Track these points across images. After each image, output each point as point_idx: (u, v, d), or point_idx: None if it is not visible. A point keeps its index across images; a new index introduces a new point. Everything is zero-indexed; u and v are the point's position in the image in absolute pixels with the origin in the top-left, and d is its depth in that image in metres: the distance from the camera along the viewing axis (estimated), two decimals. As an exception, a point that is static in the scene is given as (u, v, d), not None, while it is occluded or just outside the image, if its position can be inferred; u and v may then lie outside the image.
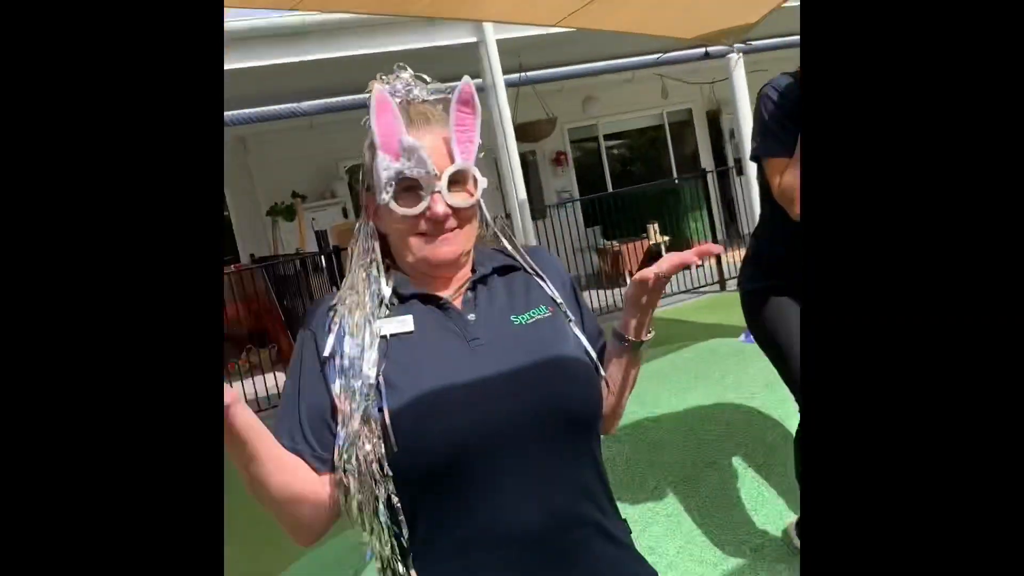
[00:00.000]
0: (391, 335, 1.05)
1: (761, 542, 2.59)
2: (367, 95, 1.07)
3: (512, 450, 1.00)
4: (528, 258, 1.18)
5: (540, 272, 1.16)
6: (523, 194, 6.76)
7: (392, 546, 1.02)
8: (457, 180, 1.07)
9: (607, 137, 11.56)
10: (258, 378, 6.64)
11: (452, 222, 1.07)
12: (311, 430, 1.04)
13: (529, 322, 1.09)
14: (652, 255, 8.84)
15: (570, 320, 1.13)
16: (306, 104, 9.53)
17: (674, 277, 1.14)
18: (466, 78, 1.10)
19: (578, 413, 1.06)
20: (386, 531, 1.01)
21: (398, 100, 1.08)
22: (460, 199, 1.07)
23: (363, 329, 1.05)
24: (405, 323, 1.06)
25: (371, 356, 1.03)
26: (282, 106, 9.58)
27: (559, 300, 1.13)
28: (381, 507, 1.01)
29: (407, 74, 1.11)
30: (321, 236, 7.66)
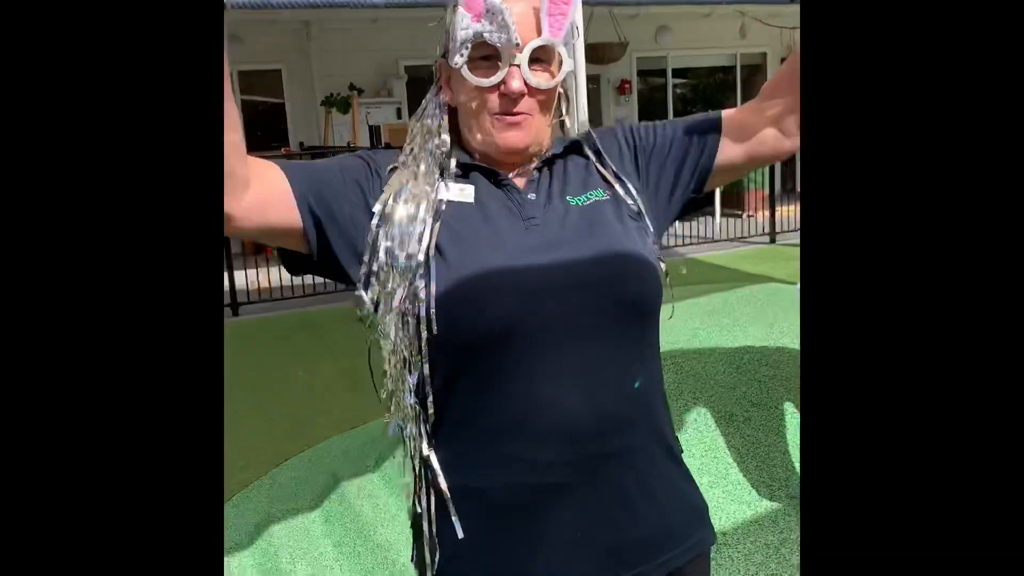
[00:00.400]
0: (448, 201, 0.98)
1: (799, 491, 2.50)
2: None
3: (555, 340, 0.93)
4: (590, 141, 1.09)
5: (600, 150, 1.07)
6: (584, 115, 6.56)
7: (419, 426, 0.97)
8: (540, 58, 0.97)
9: (675, 73, 11.23)
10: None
11: (527, 104, 0.98)
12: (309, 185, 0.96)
13: (586, 204, 1.01)
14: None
15: (638, 211, 1.04)
16: (373, -4, 9.29)
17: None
18: None
19: (632, 304, 0.98)
20: (412, 410, 0.96)
21: None
22: (541, 79, 0.98)
23: (419, 201, 0.97)
24: (466, 192, 0.99)
25: (422, 232, 0.95)
26: (349, -6, 9.34)
27: (621, 192, 1.04)
28: (411, 386, 0.95)
29: None
30: (374, 132, 7.56)
